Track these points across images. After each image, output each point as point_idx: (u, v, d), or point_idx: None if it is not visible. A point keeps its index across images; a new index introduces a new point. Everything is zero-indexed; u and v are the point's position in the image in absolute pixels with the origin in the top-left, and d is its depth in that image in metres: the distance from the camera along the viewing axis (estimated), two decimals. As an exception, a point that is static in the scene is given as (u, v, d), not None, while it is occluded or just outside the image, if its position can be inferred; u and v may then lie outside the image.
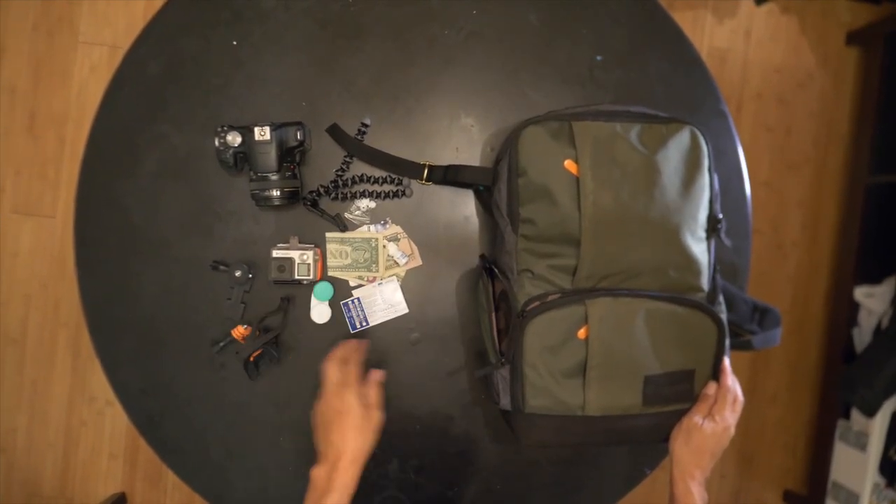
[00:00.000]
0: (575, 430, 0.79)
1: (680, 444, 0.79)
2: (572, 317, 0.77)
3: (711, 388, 0.80)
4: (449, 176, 0.90)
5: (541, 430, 0.80)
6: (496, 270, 0.84)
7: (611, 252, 0.77)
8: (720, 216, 0.80)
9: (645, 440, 0.82)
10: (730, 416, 0.79)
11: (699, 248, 0.79)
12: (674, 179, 0.77)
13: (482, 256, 0.91)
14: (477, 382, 0.93)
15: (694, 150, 0.79)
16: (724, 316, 0.81)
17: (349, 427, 0.75)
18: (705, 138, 0.79)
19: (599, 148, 0.76)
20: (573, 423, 0.79)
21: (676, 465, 0.79)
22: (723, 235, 0.82)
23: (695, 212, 0.78)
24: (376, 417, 0.78)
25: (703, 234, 0.79)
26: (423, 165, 0.91)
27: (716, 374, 0.80)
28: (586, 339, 0.76)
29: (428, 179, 0.91)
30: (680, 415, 0.80)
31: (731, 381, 0.80)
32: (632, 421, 0.79)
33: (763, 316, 0.90)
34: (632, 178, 0.76)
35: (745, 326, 0.90)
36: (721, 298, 0.82)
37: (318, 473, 0.74)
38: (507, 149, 0.81)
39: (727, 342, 0.80)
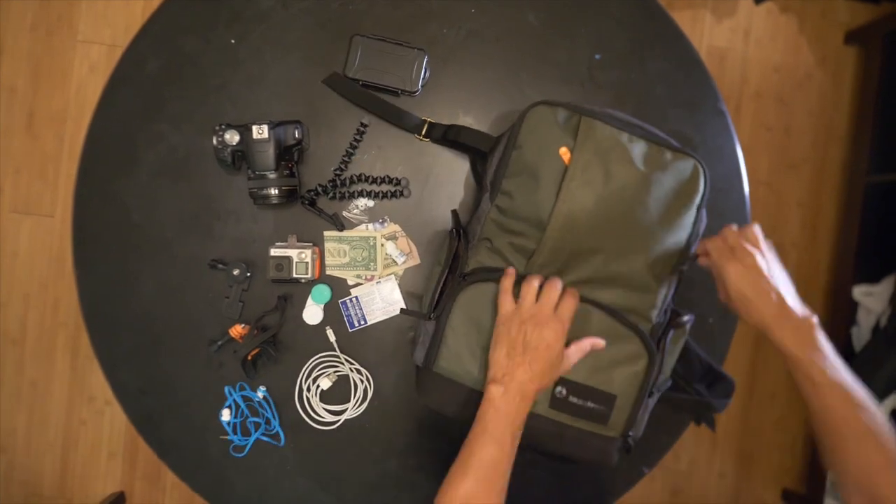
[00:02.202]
0: (474, 404, 0.76)
1: (746, 306, 0.70)
2: None
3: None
4: (449, 135, 0.90)
5: (441, 394, 0.79)
6: (462, 233, 0.84)
7: (572, 248, 0.76)
8: (692, 253, 0.79)
9: (543, 448, 0.78)
10: (750, 248, 0.71)
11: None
12: (659, 204, 0.76)
13: (454, 212, 0.89)
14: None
15: (690, 184, 0.78)
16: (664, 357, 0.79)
17: (548, 366, 0.72)
18: (706, 178, 0.78)
19: (598, 148, 0.76)
20: (474, 398, 0.77)
21: (768, 327, 0.69)
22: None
23: (667, 242, 0.77)
24: (565, 368, 0.75)
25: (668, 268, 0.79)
26: (424, 121, 0.91)
27: (636, 407, 0.77)
28: None
29: (426, 136, 0.91)
30: (588, 437, 0.77)
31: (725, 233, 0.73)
32: (532, 420, 0.76)
33: (714, 381, 0.87)
34: (618, 187, 0.75)
35: (693, 384, 0.88)
36: (668, 338, 0.80)
37: (501, 396, 0.71)
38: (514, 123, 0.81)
39: (653, 382, 0.78)
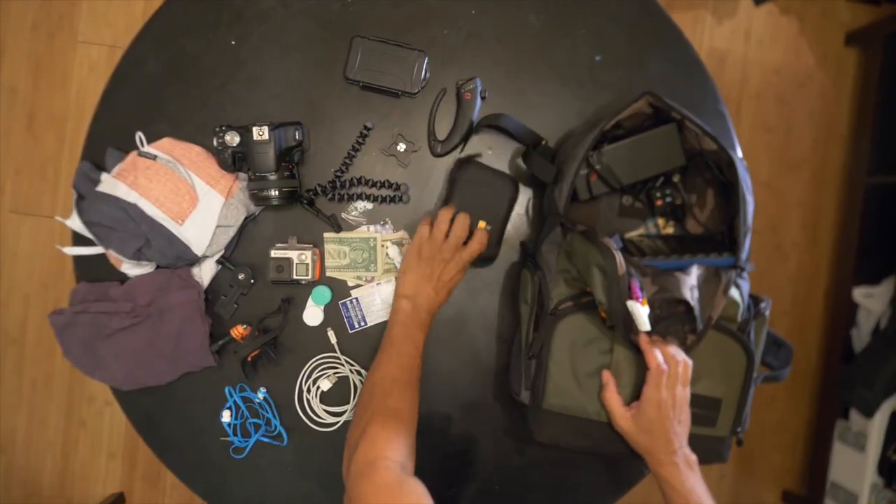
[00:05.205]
0: (590, 433, 0.79)
1: (633, 435, 0.76)
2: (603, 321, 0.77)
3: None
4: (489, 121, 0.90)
5: (555, 429, 0.80)
6: (532, 261, 0.84)
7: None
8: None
9: None
10: (655, 389, 0.74)
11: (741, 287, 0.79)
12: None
13: (523, 244, 0.91)
14: (476, 381, 0.93)
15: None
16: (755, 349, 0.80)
17: (447, 292, 0.85)
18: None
19: None
20: (589, 427, 0.78)
21: (645, 456, 0.77)
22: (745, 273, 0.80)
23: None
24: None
25: (745, 276, 0.80)
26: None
27: (741, 405, 0.79)
28: (612, 344, 0.77)
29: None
30: (699, 440, 0.78)
31: (657, 359, 0.74)
32: None
33: (778, 349, 0.88)
34: None
35: (765, 359, 0.89)
36: (751, 330, 0.81)
37: (412, 310, 0.83)
38: (568, 150, 0.80)
39: (755, 376, 0.79)
